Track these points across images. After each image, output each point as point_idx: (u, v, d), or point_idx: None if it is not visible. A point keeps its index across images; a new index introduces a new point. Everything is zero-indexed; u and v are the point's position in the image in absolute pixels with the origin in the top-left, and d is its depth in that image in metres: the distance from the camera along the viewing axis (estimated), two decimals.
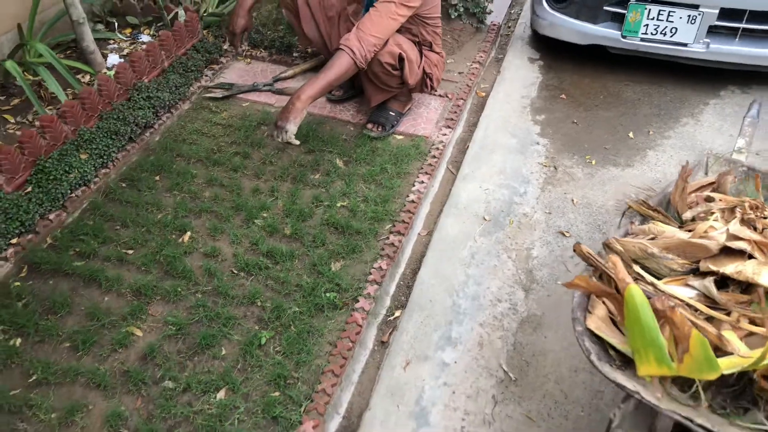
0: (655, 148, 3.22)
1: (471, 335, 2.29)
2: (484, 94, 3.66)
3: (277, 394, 2.01)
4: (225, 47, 3.67)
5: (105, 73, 3.20)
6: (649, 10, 3.43)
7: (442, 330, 2.30)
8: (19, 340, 2.13)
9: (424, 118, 3.31)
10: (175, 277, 2.37)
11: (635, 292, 1.16)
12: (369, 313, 2.32)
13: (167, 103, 3.16)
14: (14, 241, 2.42)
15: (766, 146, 3.13)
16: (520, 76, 3.84)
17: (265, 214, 2.67)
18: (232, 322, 2.22)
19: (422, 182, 2.90)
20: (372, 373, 2.18)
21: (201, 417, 1.94)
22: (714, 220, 1.47)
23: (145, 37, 3.60)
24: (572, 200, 2.91)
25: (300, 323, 2.23)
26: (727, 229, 1.40)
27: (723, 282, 1.36)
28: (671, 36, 3.50)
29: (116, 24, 3.64)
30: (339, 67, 2.61)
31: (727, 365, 1.12)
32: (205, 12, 3.77)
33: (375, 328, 2.33)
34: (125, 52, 3.51)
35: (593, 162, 3.14)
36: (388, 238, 2.61)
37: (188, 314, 2.24)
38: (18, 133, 2.86)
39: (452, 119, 3.33)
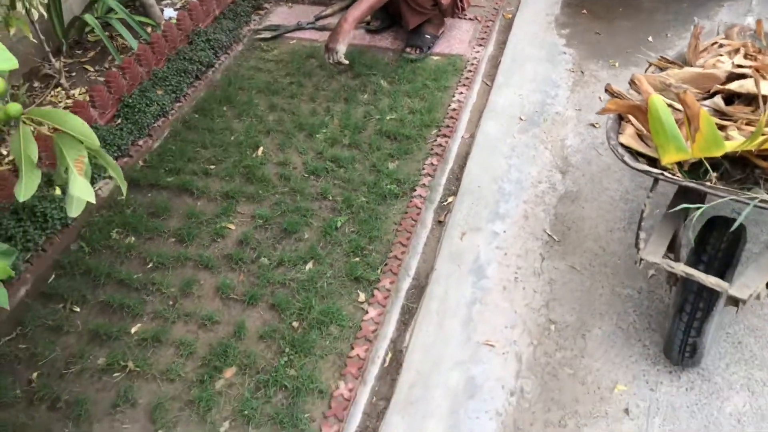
0: (673, 47, 3.45)
1: (516, 210, 2.61)
2: (510, 15, 3.92)
3: (357, 259, 2.37)
4: None
5: (167, 21, 3.54)
6: None
7: (491, 208, 2.63)
8: (132, 238, 2.51)
9: (457, 39, 3.60)
10: (255, 183, 2.73)
11: (656, 99, 1.46)
12: (426, 199, 2.65)
13: (224, 44, 3.50)
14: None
15: None
16: None
17: (324, 130, 3.00)
18: (310, 212, 2.57)
19: (461, 93, 3.20)
20: (433, 245, 2.52)
21: (295, 282, 2.30)
22: (721, 58, 1.76)
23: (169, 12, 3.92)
24: (599, 98, 3.19)
25: (368, 209, 2.57)
26: (732, 62, 1.69)
27: (730, 101, 1.65)
28: None
29: None
30: None
31: (729, 145, 1.42)
32: None
33: (432, 212, 2.66)
34: (178, 5, 3.85)
35: (616, 65, 3.40)
36: (435, 140, 2.93)
37: (271, 210, 2.60)
38: (100, 79, 3.23)
39: (483, 38, 3.61)
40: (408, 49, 3.46)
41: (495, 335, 2.16)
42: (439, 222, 2.63)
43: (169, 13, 3.74)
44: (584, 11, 3.90)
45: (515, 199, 2.67)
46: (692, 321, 1.76)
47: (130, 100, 2.99)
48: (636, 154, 1.62)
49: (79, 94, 3.12)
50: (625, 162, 1.61)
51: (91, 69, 3.35)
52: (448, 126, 3.00)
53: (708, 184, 1.47)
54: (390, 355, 2.16)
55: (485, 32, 3.67)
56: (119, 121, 2.94)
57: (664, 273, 2.17)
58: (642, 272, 2.31)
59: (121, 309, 2.24)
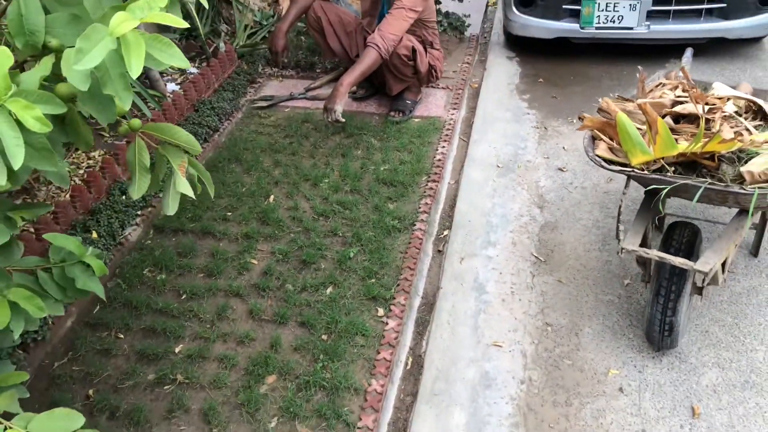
0: None
1: (505, 238, 2.99)
2: (476, 85, 4.47)
3: (372, 281, 2.68)
4: (267, 69, 4.43)
5: (172, 93, 3.91)
6: (599, 3, 4.31)
7: (483, 237, 3.00)
8: (164, 275, 2.76)
9: (433, 104, 4.09)
10: (271, 224, 3.04)
11: (622, 115, 1.89)
12: (425, 231, 3.01)
13: (227, 111, 3.88)
14: (139, 213, 3.07)
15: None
16: (503, 70, 4.67)
17: (326, 179, 3.36)
18: (324, 246, 2.89)
19: (443, 146, 3.64)
20: (436, 270, 2.86)
21: (319, 303, 2.59)
22: (665, 92, 2.23)
23: (192, 70, 4.34)
24: (563, 147, 3.68)
25: (376, 242, 2.90)
26: (674, 94, 2.16)
27: (677, 122, 2.11)
28: (619, 22, 4.36)
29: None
30: (368, 59, 3.39)
31: (680, 147, 1.85)
32: (236, 45, 4.54)
33: (431, 243, 3.02)
34: (179, 81, 4.24)
35: (574, 122, 3.93)
36: (426, 185, 3.33)
37: (288, 246, 2.90)
38: (117, 143, 3.53)
39: (456, 103, 4.11)
40: (392, 113, 3.91)
41: (501, 337, 2.48)
42: (439, 251, 2.98)
43: (172, 87, 4.12)
44: (540, 80, 4.48)
45: (502, 229, 3.05)
46: (667, 302, 2.13)
47: (151, 161, 3.29)
48: (609, 162, 2.04)
49: (99, 155, 3.40)
50: (603, 166, 2.02)
51: (106, 135, 3.65)
52: (435, 173, 3.41)
53: (668, 175, 1.88)
54: (411, 359, 2.45)
55: (457, 98, 4.18)
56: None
57: (639, 278, 2.56)
58: (619, 281, 2.70)
59: (163, 333, 2.47)
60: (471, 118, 4.04)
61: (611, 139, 2.05)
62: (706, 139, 1.84)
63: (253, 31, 4.75)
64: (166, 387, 2.26)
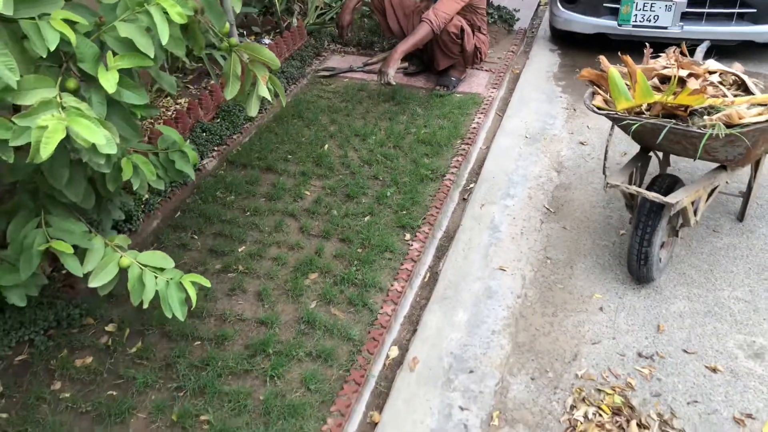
0: None
1: (523, 193, 3.46)
2: (518, 71, 4.92)
3: (404, 212, 3.18)
4: (331, 45, 5.02)
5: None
6: (636, 3, 4.70)
7: (503, 191, 3.47)
8: (233, 196, 3.34)
9: (475, 83, 4.57)
10: (323, 167, 3.58)
11: (613, 69, 2.35)
12: (453, 182, 3.50)
13: (294, 76, 4.47)
14: (216, 149, 3.66)
15: None
16: (544, 60, 5.11)
17: (373, 137, 3.89)
18: (366, 186, 3.41)
19: (480, 118, 4.12)
20: (459, 213, 3.35)
21: (358, 227, 3.11)
22: (660, 61, 2.66)
23: (266, 41, 4.94)
24: (587, 126, 4.10)
25: (410, 186, 3.41)
26: (667, 62, 2.59)
27: (663, 83, 2.54)
28: (655, 22, 4.74)
29: (244, 33, 5.01)
30: (422, 32, 3.91)
31: (656, 97, 2.29)
32: (307, 23, 5.13)
33: (458, 192, 3.51)
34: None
35: None
36: (460, 147, 3.81)
37: (336, 183, 3.44)
38: (198, 94, 4.16)
39: (496, 84, 4.58)
40: (437, 87, 4.42)
41: (506, 264, 2.95)
42: (464, 199, 3.47)
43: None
44: (577, 69, 4.89)
45: (522, 186, 3.51)
46: (644, 234, 2.56)
47: (227, 107, 3.91)
48: (600, 109, 2.50)
49: (184, 103, 4.02)
50: (594, 111, 2.48)
51: (191, 87, 4.28)
52: (469, 138, 3.89)
53: (644, 117, 2.33)
54: (428, 275, 2.94)
55: (498, 80, 4.65)
56: (218, 120, 3.84)
57: (628, 214, 2.99)
58: (616, 231, 3.12)
59: (229, 237, 3.04)
60: (508, 98, 4.51)
61: (606, 93, 2.50)
62: (678, 90, 2.27)
63: (323, 12, 5.34)
64: (229, 274, 2.83)
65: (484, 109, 4.24)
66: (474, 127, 4.01)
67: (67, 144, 1.59)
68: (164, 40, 1.65)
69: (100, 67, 1.69)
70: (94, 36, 1.73)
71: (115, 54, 1.72)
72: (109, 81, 1.64)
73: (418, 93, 4.44)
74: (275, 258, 2.91)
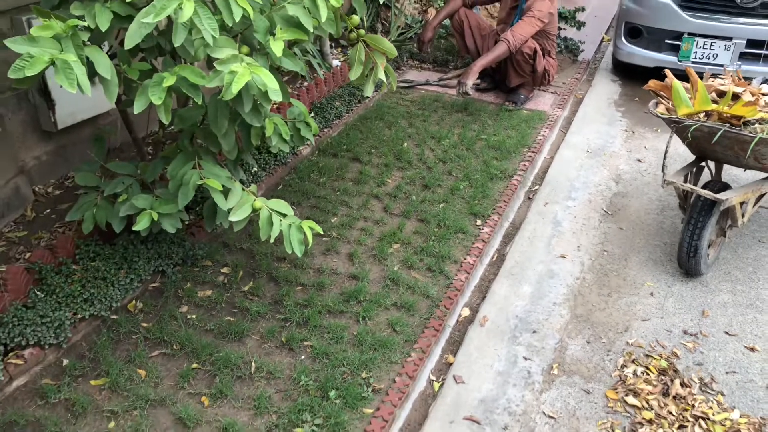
0: None
1: (583, 196, 3.82)
2: (581, 96, 5.32)
3: (476, 202, 3.58)
4: (410, 60, 5.51)
5: (336, 66, 5.04)
6: (697, 41, 5.06)
7: (565, 193, 3.84)
8: (324, 178, 3.79)
9: (542, 102, 4.98)
10: (403, 161, 4.02)
11: (676, 81, 2.73)
12: (520, 183, 3.89)
13: (376, 86, 4.94)
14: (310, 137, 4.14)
15: None
16: (605, 88, 5.49)
17: (447, 140, 4.32)
18: (441, 179, 3.82)
19: (545, 132, 4.52)
20: (524, 210, 3.73)
21: (434, 211, 3.51)
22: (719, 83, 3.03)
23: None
24: (645, 147, 4.46)
25: (481, 182, 3.81)
26: (724, 82, 2.96)
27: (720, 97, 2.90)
28: (713, 60, 5.09)
29: (332, 44, 5.54)
30: (499, 50, 4.36)
31: (713, 106, 2.65)
32: (389, 39, 5.64)
33: (523, 192, 3.89)
34: (342, 59, 5.38)
35: (659, 131, 4.69)
36: (527, 154, 4.21)
37: (414, 175, 3.86)
38: (295, 92, 4.67)
39: (561, 104, 4.98)
40: (507, 102, 4.84)
41: (567, 252, 3.30)
42: (529, 198, 3.85)
43: (336, 62, 5.26)
44: (636, 99, 5.26)
45: (582, 191, 3.88)
46: (694, 229, 2.89)
47: (320, 104, 4.40)
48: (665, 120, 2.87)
49: (305, 85, 4.51)
50: (656, 116, 2.86)
51: (289, 86, 4.80)
52: (535, 147, 4.29)
53: (701, 121, 2.70)
54: (496, 256, 3.32)
55: (562, 102, 5.05)
56: (312, 115, 4.33)
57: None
58: (668, 234, 3.46)
59: (323, 209, 3.47)
60: (571, 118, 4.89)
61: (668, 102, 2.88)
62: (732, 102, 2.64)
63: (403, 31, 5.85)
64: (324, 238, 3.26)
65: (549, 124, 4.63)
66: (540, 139, 4.40)
67: (243, 92, 2.05)
68: (323, 18, 2.11)
69: (269, 38, 2.15)
70: (266, 14, 2.21)
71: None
72: (277, 48, 2.10)
73: (489, 107, 4.86)
74: (363, 229, 3.33)
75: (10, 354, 2.32)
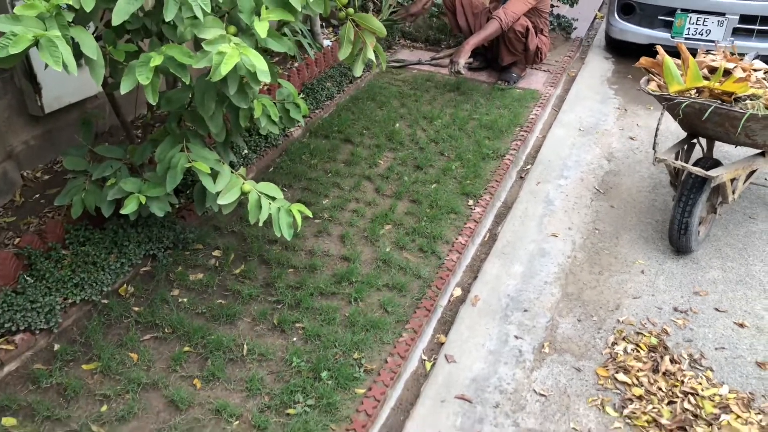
0: None
1: (575, 175, 3.81)
2: (573, 74, 5.29)
3: (467, 182, 3.57)
4: (401, 40, 5.47)
5: (327, 46, 4.99)
6: (690, 17, 5.03)
7: (557, 172, 3.84)
8: (316, 160, 3.77)
9: (534, 81, 4.95)
10: (395, 141, 4.00)
11: (668, 58, 2.71)
12: (512, 162, 3.88)
13: (367, 65, 4.90)
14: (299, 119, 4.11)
15: None
16: (598, 66, 5.46)
17: (439, 120, 4.29)
18: (433, 160, 3.81)
19: (537, 110, 4.50)
20: (516, 189, 3.72)
21: (426, 191, 3.50)
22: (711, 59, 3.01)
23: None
24: (637, 124, 4.44)
25: (472, 162, 3.80)
26: (716, 58, 2.94)
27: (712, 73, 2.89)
28: (706, 36, 5.06)
29: (323, 24, 5.49)
30: (491, 28, 4.32)
31: (704, 82, 2.64)
32: (381, 18, 5.59)
33: (515, 171, 3.88)
34: (333, 39, 5.32)
35: (651, 108, 4.68)
36: (519, 133, 4.19)
37: (406, 156, 3.85)
38: (284, 73, 4.62)
39: (553, 83, 4.95)
40: (499, 81, 4.81)
41: (558, 231, 3.31)
42: (521, 177, 3.84)
43: (327, 42, 5.21)
44: (629, 76, 5.24)
45: (574, 170, 3.87)
46: (685, 206, 2.90)
47: (311, 85, 4.36)
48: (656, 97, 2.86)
49: (296, 66, 4.47)
50: (648, 93, 2.84)
51: (279, 68, 4.75)
52: (527, 126, 4.27)
53: (692, 98, 2.69)
54: (488, 235, 3.32)
55: (555, 80, 5.02)
56: (302, 96, 4.29)
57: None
58: (660, 212, 3.46)
59: (315, 191, 3.46)
60: (564, 96, 4.87)
61: (660, 79, 2.87)
62: (723, 79, 2.63)
63: (395, 10, 5.78)
64: (315, 220, 3.25)
65: (541, 103, 4.61)
66: (532, 118, 4.38)
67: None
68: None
69: (254, 18, 2.13)
70: None
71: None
72: (262, 28, 2.07)
73: (481, 86, 4.83)
74: (354, 210, 3.32)
75: (1, 339, 2.32)
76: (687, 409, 2.28)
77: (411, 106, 4.46)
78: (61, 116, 3.36)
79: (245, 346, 2.47)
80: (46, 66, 1.76)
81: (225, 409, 2.20)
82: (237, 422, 2.18)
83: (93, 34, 2.15)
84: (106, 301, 2.63)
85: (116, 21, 1.89)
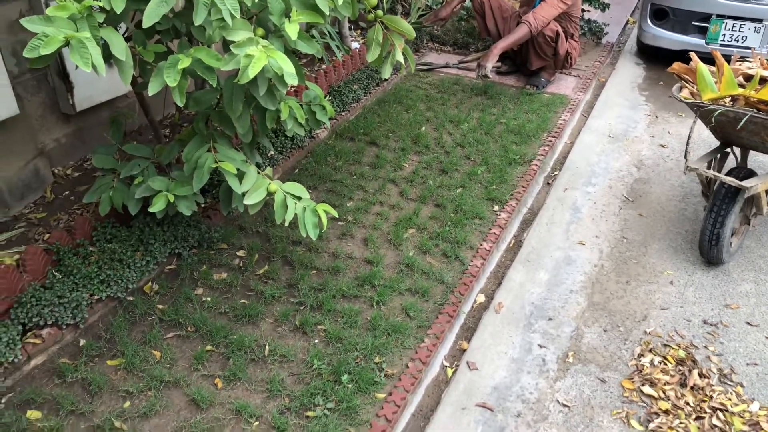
0: None
1: (604, 182, 3.76)
2: (603, 79, 5.21)
3: (493, 187, 3.54)
4: (429, 43, 5.46)
5: (355, 48, 4.99)
6: (726, 23, 4.92)
7: (585, 179, 3.78)
8: (341, 162, 3.77)
9: (563, 86, 4.89)
10: (420, 145, 3.98)
11: (701, 65, 2.65)
12: (540, 168, 3.83)
13: (395, 68, 4.89)
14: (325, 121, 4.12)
15: None
16: (629, 71, 5.38)
17: (466, 124, 4.26)
18: (458, 164, 3.78)
19: (566, 116, 4.44)
20: (543, 195, 3.67)
21: (451, 196, 3.48)
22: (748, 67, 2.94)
23: None
24: (668, 132, 4.36)
25: (499, 167, 3.76)
26: (747, 65, 2.87)
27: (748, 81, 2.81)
28: (742, 42, 4.95)
29: (352, 27, 5.49)
30: (520, 32, 4.28)
31: (739, 90, 2.57)
32: (409, 21, 5.58)
33: (542, 177, 3.84)
34: (361, 41, 5.32)
35: (683, 115, 4.59)
36: (547, 138, 4.14)
37: (432, 159, 3.83)
38: (312, 75, 4.64)
39: (583, 88, 4.89)
40: (528, 86, 4.77)
41: (585, 239, 3.26)
42: (548, 183, 3.80)
43: (355, 44, 5.21)
44: (661, 83, 5.15)
45: (603, 177, 3.81)
46: (717, 217, 2.83)
47: (338, 87, 4.37)
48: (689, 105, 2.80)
49: (323, 68, 4.48)
50: (680, 99, 2.78)
51: (306, 69, 4.77)
52: (556, 132, 4.22)
53: (726, 106, 2.62)
54: (513, 242, 3.29)
55: (584, 85, 4.96)
56: (329, 98, 4.30)
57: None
58: (690, 222, 3.39)
59: (339, 193, 3.46)
60: (593, 102, 4.81)
61: (693, 86, 2.81)
62: (760, 87, 2.56)
63: (424, 13, 5.78)
64: (339, 222, 3.24)
65: (570, 109, 4.55)
66: (560, 124, 4.33)
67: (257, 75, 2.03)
68: (340, 1, 2.08)
69: (284, 20, 2.13)
70: None
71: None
72: (292, 30, 2.07)
73: (509, 90, 4.79)
74: (378, 213, 3.31)
75: (29, 333, 2.35)
76: (715, 426, 2.22)
77: (437, 110, 4.43)
78: (92, 115, 3.41)
79: (267, 346, 2.48)
80: (77, 66, 1.78)
81: (245, 410, 2.20)
82: (257, 423, 2.18)
83: (123, 34, 2.18)
84: (131, 298, 2.65)
85: (147, 23, 1.91)
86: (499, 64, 4.96)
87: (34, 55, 1.77)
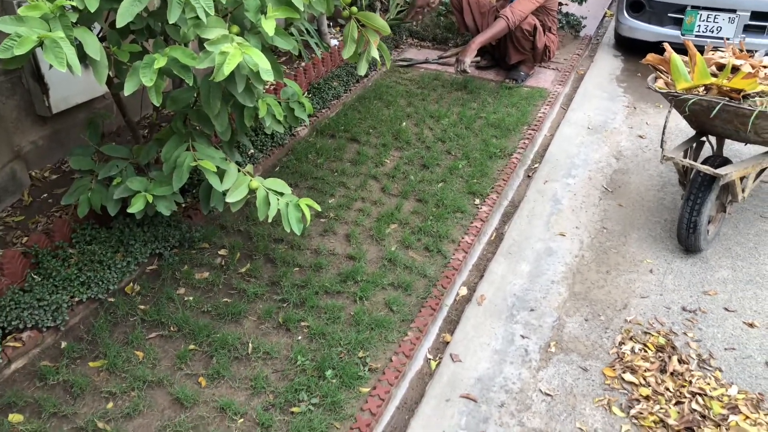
0: None
1: (583, 174, 3.79)
2: (582, 72, 5.25)
3: (474, 181, 3.56)
4: (408, 39, 5.46)
5: (334, 45, 4.99)
6: (701, 14, 4.98)
7: (565, 171, 3.81)
8: (322, 159, 3.77)
9: (542, 79, 4.92)
10: (401, 141, 3.99)
11: (675, 55, 2.68)
12: (520, 161, 3.86)
13: (374, 64, 4.90)
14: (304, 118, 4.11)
15: None
16: (607, 64, 5.42)
17: (446, 119, 4.28)
18: (439, 159, 3.80)
19: (545, 109, 4.47)
20: (523, 188, 3.70)
21: (432, 190, 3.49)
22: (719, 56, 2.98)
23: None
24: (646, 122, 4.41)
25: (479, 161, 3.78)
26: (725, 55, 2.91)
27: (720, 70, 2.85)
28: (717, 33, 5.01)
29: (331, 24, 5.49)
30: (498, 27, 4.30)
31: (712, 79, 2.61)
32: (388, 18, 5.58)
33: (523, 170, 3.86)
34: (340, 38, 5.32)
35: (660, 106, 4.64)
36: (527, 132, 4.17)
37: (413, 155, 3.84)
38: (291, 73, 4.63)
39: (562, 81, 4.92)
40: (507, 80, 4.79)
41: (566, 230, 3.28)
42: (528, 176, 3.82)
43: (334, 42, 5.20)
44: (639, 74, 5.20)
45: (582, 168, 3.85)
46: (694, 205, 2.87)
47: (317, 85, 4.36)
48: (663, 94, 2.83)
49: (302, 65, 4.47)
50: (655, 90, 2.82)
51: (285, 67, 4.76)
52: (535, 125, 4.25)
53: (700, 95, 2.66)
54: (494, 234, 3.31)
55: (563, 78, 4.99)
56: (309, 95, 4.29)
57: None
58: (669, 211, 3.43)
59: (321, 191, 3.46)
60: (572, 94, 4.84)
61: (667, 76, 2.84)
62: (732, 75, 2.60)
63: (402, 9, 5.78)
64: (321, 219, 3.24)
65: (549, 101, 4.58)
66: (540, 117, 4.36)
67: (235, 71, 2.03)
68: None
69: (260, 17, 2.12)
70: None
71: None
72: (269, 26, 2.07)
73: (489, 84, 4.81)
74: (360, 210, 3.32)
75: (8, 337, 2.33)
76: (695, 410, 2.26)
77: (418, 105, 4.45)
78: (69, 116, 3.38)
79: (250, 344, 2.47)
80: (51, 66, 1.76)
81: (229, 407, 2.20)
82: (241, 420, 2.18)
83: (98, 34, 2.16)
84: (112, 300, 2.64)
85: (120, 23, 1.89)
86: (478, 58, 4.98)
87: (7, 55, 1.75)
